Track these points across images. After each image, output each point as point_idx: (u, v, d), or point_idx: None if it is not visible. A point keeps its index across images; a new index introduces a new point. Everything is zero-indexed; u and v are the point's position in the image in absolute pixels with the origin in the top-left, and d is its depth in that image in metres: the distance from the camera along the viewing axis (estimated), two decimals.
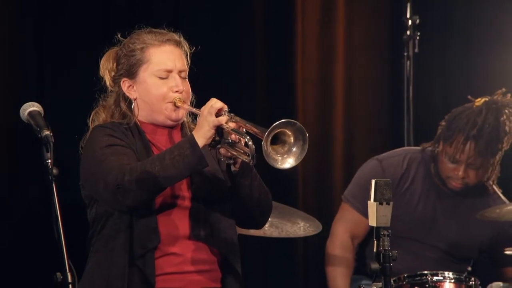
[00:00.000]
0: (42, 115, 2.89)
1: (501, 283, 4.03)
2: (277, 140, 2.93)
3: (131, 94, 3.20)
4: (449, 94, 5.20)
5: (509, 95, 4.31)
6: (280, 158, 2.92)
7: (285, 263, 4.73)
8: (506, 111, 4.26)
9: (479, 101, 4.29)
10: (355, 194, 4.36)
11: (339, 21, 5.29)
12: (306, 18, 5.27)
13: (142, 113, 3.20)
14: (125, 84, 3.21)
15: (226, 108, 3.02)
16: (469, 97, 4.35)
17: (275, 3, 5.24)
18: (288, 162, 2.93)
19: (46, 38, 4.79)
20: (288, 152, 2.93)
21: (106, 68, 3.26)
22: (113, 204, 3.06)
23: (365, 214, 4.27)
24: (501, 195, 4.38)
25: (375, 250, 3.45)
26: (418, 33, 5.01)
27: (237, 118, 3.01)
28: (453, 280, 3.87)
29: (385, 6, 5.33)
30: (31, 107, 2.91)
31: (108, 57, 3.26)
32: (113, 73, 3.24)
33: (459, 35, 5.33)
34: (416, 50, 4.97)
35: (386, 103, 5.35)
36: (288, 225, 4.11)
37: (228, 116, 3.01)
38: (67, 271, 2.74)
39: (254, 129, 2.95)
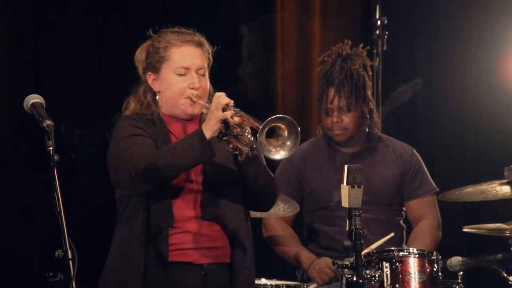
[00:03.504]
0: (44, 106, 2.91)
1: (459, 257, 4.08)
2: (273, 133, 3.00)
3: (155, 87, 3.28)
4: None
5: (350, 43, 4.46)
6: (273, 150, 2.99)
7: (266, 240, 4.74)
8: (357, 59, 4.40)
9: (329, 58, 4.45)
10: None
11: (315, 23, 5.30)
12: (285, 20, 5.29)
13: (163, 105, 3.28)
14: (150, 78, 3.28)
15: (232, 103, 3.08)
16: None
17: (256, 8, 5.26)
18: (280, 154, 3.00)
19: (44, 34, 4.80)
20: (282, 145, 3.00)
21: (139, 60, 3.34)
22: (131, 189, 3.14)
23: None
24: (393, 139, 4.49)
25: (347, 228, 3.49)
26: (387, 32, 5.03)
27: (242, 113, 3.08)
28: (417, 255, 3.89)
29: (356, 8, 5.35)
30: (34, 99, 2.92)
31: (141, 50, 3.34)
32: (143, 66, 3.31)
33: (423, 34, 5.36)
34: (385, 47, 4.99)
35: None
36: None
37: (233, 111, 3.07)
38: (68, 248, 2.75)
39: (256, 124, 3.02)
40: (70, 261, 2.74)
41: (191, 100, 3.22)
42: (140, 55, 3.32)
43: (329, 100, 4.37)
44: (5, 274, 4.69)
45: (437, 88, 4.95)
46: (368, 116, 4.41)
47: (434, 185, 4.44)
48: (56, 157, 2.79)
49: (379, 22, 5.02)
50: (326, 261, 4.27)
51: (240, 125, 3.04)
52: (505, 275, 4.09)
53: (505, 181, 4.17)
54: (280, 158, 3.01)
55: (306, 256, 4.36)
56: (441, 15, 5.33)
